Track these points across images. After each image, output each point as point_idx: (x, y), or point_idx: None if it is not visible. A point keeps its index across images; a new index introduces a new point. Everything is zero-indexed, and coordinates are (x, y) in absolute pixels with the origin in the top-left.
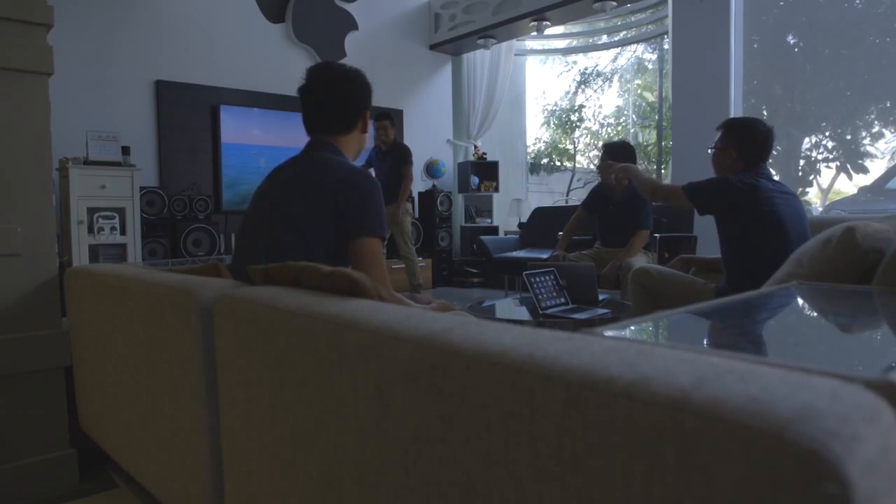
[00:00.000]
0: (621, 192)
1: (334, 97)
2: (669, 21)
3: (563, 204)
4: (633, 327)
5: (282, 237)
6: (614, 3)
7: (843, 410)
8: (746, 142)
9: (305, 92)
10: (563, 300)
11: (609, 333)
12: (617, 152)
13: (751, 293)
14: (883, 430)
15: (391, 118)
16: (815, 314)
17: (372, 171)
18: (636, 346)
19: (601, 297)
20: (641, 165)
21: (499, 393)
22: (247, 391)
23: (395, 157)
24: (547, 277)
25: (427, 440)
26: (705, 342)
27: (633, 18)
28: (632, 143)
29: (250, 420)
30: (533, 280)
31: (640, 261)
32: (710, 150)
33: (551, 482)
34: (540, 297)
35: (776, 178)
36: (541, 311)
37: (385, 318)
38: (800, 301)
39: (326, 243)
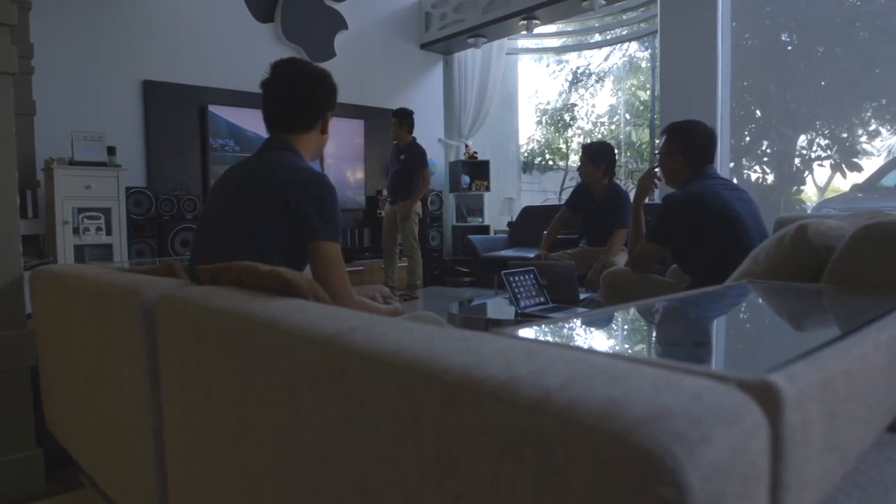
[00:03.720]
0: (602, 192)
1: (297, 95)
2: (658, 20)
3: (556, 203)
4: (550, 326)
5: (236, 239)
6: (603, 2)
7: (698, 412)
8: (690, 145)
9: (268, 87)
10: (542, 299)
11: (520, 332)
12: (596, 153)
13: (693, 291)
14: (740, 432)
15: (404, 116)
16: (748, 313)
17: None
18: (528, 346)
19: (583, 296)
20: (633, 164)
21: (388, 393)
22: (184, 391)
23: (408, 157)
24: (526, 277)
25: (330, 441)
26: (614, 342)
27: (624, 17)
28: (625, 142)
29: (187, 420)
30: (511, 279)
31: (625, 260)
32: (656, 155)
33: (432, 484)
34: (518, 296)
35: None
36: (518, 311)
37: (301, 317)
38: (740, 300)
39: (282, 245)
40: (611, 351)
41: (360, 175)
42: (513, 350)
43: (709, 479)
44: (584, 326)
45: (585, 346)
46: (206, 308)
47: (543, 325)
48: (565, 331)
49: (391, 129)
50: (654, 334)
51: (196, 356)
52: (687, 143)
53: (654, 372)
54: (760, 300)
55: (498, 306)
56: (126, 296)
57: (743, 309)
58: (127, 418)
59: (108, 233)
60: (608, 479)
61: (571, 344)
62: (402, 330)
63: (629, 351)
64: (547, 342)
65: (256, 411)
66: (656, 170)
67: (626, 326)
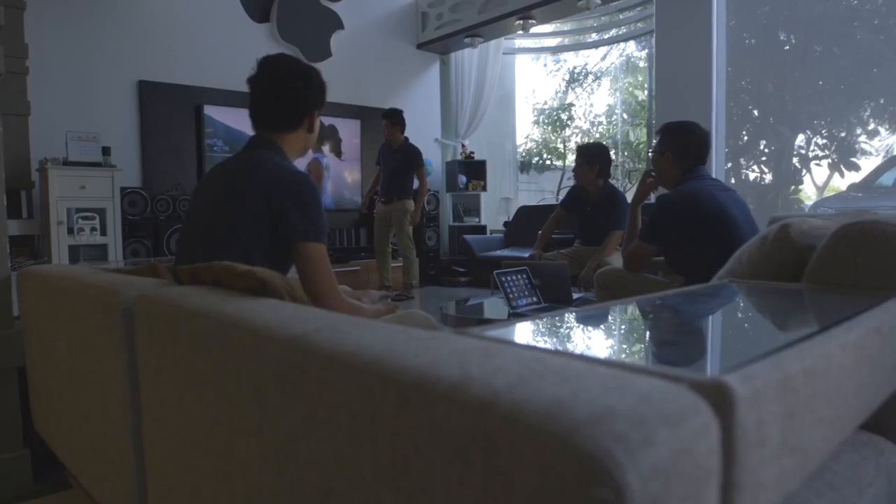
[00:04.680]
0: (598, 193)
1: (283, 93)
2: (654, 19)
3: (552, 202)
4: (519, 325)
5: (218, 239)
6: (598, 2)
7: (643, 413)
8: (682, 145)
9: (254, 84)
10: (534, 299)
11: (488, 332)
12: (589, 153)
13: (673, 291)
14: (687, 432)
15: (395, 117)
16: (723, 313)
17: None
18: (487, 346)
19: (576, 296)
20: (630, 164)
21: (347, 394)
22: (161, 391)
23: (403, 157)
24: (519, 276)
25: (294, 441)
26: (580, 341)
27: (621, 17)
28: (622, 141)
29: (165, 420)
30: (504, 279)
31: (619, 261)
32: (650, 154)
33: (388, 484)
34: (511, 296)
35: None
36: (511, 311)
37: (270, 317)
38: (718, 299)
39: (264, 246)
40: (573, 350)
41: (356, 175)
42: (471, 350)
43: (650, 480)
44: (555, 325)
45: (548, 346)
46: (181, 308)
47: (512, 325)
48: (534, 330)
49: (383, 130)
50: (623, 333)
51: (172, 356)
52: (678, 143)
53: (606, 372)
54: (738, 300)
55: (494, 306)
56: (106, 296)
57: (718, 308)
58: (108, 418)
59: (103, 233)
60: (551, 480)
61: (534, 343)
62: (366, 330)
63: (593, 350)
64: (509, 342)
65: (227, 411)
66: (652, 173)
67: (597, 325)
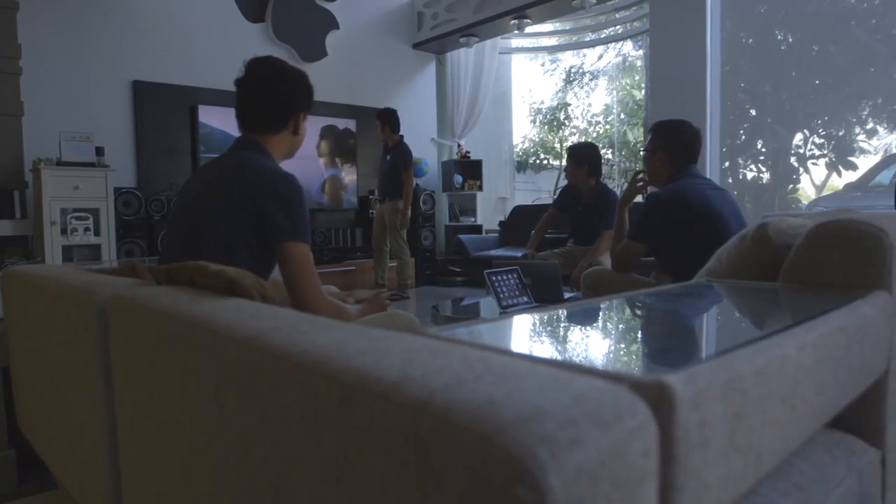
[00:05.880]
0: (590, 193)
1: (269, 94)
2: (649, 19)
3: (548, 202)
4: (481, 325)
5: (202, 239)
6: (593, 1)
7: (574, 413)
8: (674, 143)
9: (241, 85)
10: (525, 299)
11: (446, 332)
12: (578, 153)
13: (646, 290)
14: (620, 433)
15: (385, 117)
16: (691, 312)
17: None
18: (435, 346)
19: (568, 296)
20: (626, 163)
21: (295, 393)
22: (133, 391)
23: (394, 157)
24: (509, 276)
25: (249, 441)
26: (537, 340)
27: (617, 16)
28: (619, 141)
29: (137, 420)
30: (494, 279)
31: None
32: (642, 153)
33: (332, 484)
34: (501, 295)
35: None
36: (501, 310)
37: (231, 317)
38: (690, 299)
39: (248, 246)
40: (522, 350)
41: (352, 175)
42: (418, 350)
43: (575, 482)
44: (514, 325)
45: (499, 346)
46: (150, 308)
47: (471, 324)
48: (491, 329)
49: (377, 131)
50: (581, 332)
51: (141, 356)
52: (671, 142)
53: (547, 372)
54: (708, 299)
55: (489, 306)
56: (81, 296)
57: (686, 308)
58: (84, 418)
59: (97, 233)
60: (478, 480)
61: (487, 343)
62: (322, 330)
63: (544, 350)
64: (460, 342)
65: (191, 411)
66: (642, 175)
67: (558, 324)
